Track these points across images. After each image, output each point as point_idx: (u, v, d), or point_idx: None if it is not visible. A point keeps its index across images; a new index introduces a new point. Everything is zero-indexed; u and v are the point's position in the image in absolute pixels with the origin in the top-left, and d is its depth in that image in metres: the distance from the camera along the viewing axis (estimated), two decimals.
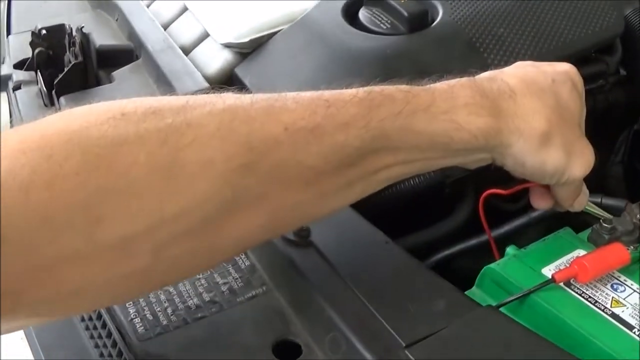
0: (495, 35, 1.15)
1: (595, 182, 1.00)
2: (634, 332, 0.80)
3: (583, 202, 0.93)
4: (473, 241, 1.05)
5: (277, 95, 0.70)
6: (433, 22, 1.18)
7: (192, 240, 0.64)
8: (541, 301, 0.83)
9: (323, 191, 0.71)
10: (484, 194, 0.94)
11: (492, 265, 0.89)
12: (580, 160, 0.83)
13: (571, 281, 0.86)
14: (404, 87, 0.76)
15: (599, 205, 1.01)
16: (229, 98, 0.68)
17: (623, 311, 0.83)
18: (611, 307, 0.83)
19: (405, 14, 1.16)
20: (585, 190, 0.92)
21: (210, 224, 0.64)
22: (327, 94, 0.71)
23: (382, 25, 1.19)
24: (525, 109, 0.79)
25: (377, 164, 0.73)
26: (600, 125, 1.38)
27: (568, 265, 0.86)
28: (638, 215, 0.96)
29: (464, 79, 0.80)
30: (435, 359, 0.70)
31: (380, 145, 0.71)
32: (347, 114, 0.69)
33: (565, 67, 0.88)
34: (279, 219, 0.70)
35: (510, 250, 0.93)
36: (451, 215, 1.11)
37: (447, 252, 1.07)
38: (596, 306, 0.83)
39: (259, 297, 0.82)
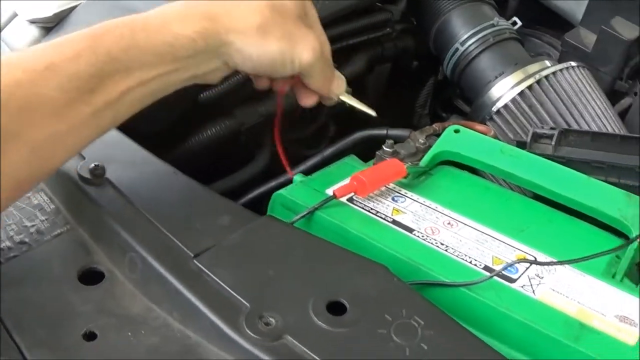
0: None
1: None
2: (414, 234, 0.89)
3: (341, 86, 1.00)
4: (272, 183, 1.13)
5: (21, 51, 0.81)
6: None
7: None
8: (326, 216, 0.91)
9: (73, 121, 0.78)
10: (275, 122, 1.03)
11: (280, 191, 0.96)
12: (304, 45, 0.91)
13: (354, 197, 0.94)
14: (121, 18, 0.83)
15: (385, 136, 1.10)
16: None
17: (403, 218, 0.92)
18: (392, 215, 0.92)
19: None
20: (339, 75, 0.99)
21: None
22: (58, 38, 0.80)
23: None
24: (239, 9, 0.87)
25: (116, 88, 0.80)
26: (398, 74, 1.49)
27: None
28: (421, 140, 1.06)
29: None
30: (221, 264, 0.77)
31: (112, 68, 0.79)
32: (77, 46, 0.78)
33: None
34: (40, 152, 0.77)
35: (297, 177, 1.00)
36: (252, 162, 1.18)
37: (250, 195, 1.14)
38: (378, 216, 0.92)
39: (63, 235, 0.88)
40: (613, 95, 1.43)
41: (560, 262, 0.86)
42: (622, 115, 1.39)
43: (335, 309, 0.73)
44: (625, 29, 1.39)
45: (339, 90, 0.99)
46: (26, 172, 0.77)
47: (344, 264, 0.79)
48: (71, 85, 0.76)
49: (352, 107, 1.02)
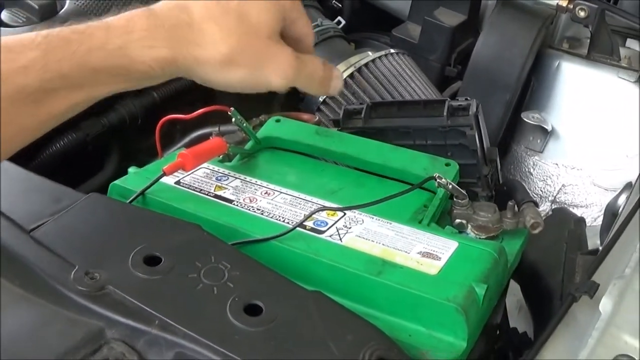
0: None
1: None
2: (234, 204, 1.07)
3: (338, 85, 1.06)
4: None
5: None
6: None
7: None
8: (157, 198, 1.08)
9: (16, 129, 0.83)
10: (163, 120, 1.20)
11: (115, 181, 1.13)
12: (274, 68, 0.94)
13: (181, 180, 1.12)
14: (80, 27, 0.85)
15: (218, 132, 1.28)
16: None
17: (225, 192, 1.10)
18: (214, 191, 1.10)
19: (36, 6, 1.43)
20: (338, 75, 1.06)
21: None
22: (10, 40, 0.81)
23: (19, 20, 1.44)
24: (205, 38, 0.89)
25: (63, 102, 0.85)
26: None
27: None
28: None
29: (143, 10, 0.88)
30: (53, 235, 0.94)
31: (62, 84, 0.83)
32: (26, 58, 0.80)
33: None
34: None
35: (131, 169, 1.16)
36: (102, 169, 1.37)
37: None
38: (202, 193, 1.10)
39: None
40: (445, 80, 1.65)
41: (349, 207, 1.05)
42: (453, 97, 1.62)
43: (152, 261, 0.91)
44: (448, 17, 1.63)
45: (336, 91, 1.06)
46: None
47: (160, 226, 0.97)
48: (19, 96, 0.80)
49: None
